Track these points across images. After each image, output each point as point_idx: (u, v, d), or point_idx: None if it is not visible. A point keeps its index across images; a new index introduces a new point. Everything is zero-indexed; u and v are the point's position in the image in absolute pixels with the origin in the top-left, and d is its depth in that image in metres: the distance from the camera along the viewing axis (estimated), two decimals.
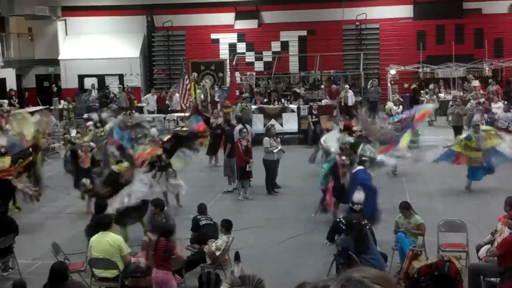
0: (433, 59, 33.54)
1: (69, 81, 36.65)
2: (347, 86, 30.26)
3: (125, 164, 14.56)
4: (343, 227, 11.47)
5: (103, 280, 10.97)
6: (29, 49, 37.88)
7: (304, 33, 35.98)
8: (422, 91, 32.02)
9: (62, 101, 32.75)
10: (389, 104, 25.64)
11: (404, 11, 35.59)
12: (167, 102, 31.29)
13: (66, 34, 37.88)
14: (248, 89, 31.46)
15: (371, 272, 2.07)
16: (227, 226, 11.78)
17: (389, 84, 33.23)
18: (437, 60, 33.46)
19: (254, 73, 35.66)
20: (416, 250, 10.92)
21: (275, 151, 17.98)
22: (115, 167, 14.52)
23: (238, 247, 11.19)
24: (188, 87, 26.24)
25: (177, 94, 28.76)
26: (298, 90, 30.55)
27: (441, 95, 31.74)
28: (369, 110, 24.29)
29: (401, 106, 25.88)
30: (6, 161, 15.23)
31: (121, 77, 36.69)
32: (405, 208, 12.24)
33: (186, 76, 26.90)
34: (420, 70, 33.31)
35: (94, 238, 10.94)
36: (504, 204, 11.57)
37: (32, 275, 11.55)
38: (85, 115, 27.38)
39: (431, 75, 33.50)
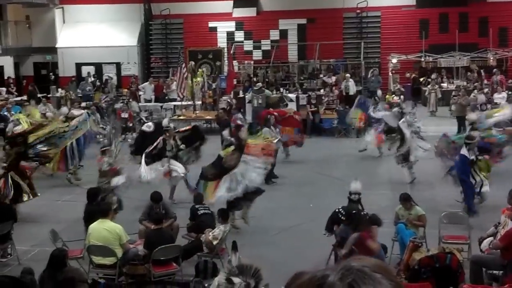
0: (436, 48, 33.27)
1: (66, 69, 36.50)
2: (348, 75, 30.04)
3: (231, 149, 14.71)
4: (342, 217, 11.33)
5: (101, 267, 11.00)
6: (27, 37, 37.70)
7: (303, 21, 35.73)
8: (423, 80, 31.79)
9: (59, 89, 32.61)
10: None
11: None
12: (164, 91, 31.14)
13: (64, 22, 37.67)
14: (246, 78, 31.26)
15: (371, 261, 1.98)
16: (224, 215, 11.76)
17: (390, 74, 33.01)
18: (440, 49, 33.17)
19: (252, 62, 35.46)
20: (416, 242, 10.78)
21: (274, 141, 17.83)
22: (222, 152, 14.81)
23: (235, 237, 11.05)
24: (185, 76, 26.07)
25: (174, 83, 28.60)
26: (326, 79, 30.13)
27: (444, 84, 31.50)
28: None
29: (402, 96, 25.79)
30: None
31: (118, 65, 36.54)
32: (406, 199, 12.09)
33: (184, 65, 26.72)
34: (423, 59, 33.07)
35: (93, 225, 11.03)
36: (508, 196, 11.41)
37: (30, 262, 11.53)
38: (83, 103, 27.27)
39: (434, 65, 33.27)
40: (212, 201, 13.49)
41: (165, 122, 17.23)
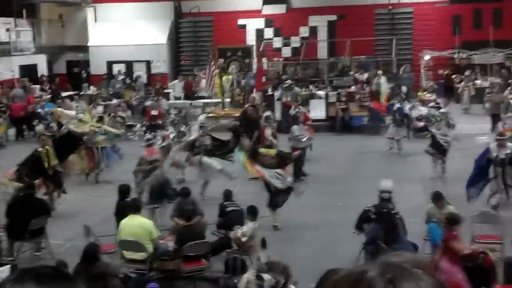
0: (470, 44, 32.71)
1: (98, 67, 36.73)
2: (380, 72, 29.79)
3: (273, 151, 15.05)
4: (372, 216, 11.22)
5: (132, 262, 11.18)
6: (60, 35, 38.11)
7: (333, 17, 35.52)
8: (456, 77, 31.41)
9: (91, 87, 32.88)
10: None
11: None
12: (194, 88, 31.21)
13: (96, 20, 37.95)
14: (275, 76, 31.17)
15: (410, 257, 1.95)
16: (253, 212, 11.75)
17: (422, 71, 32.68)
18: (474, 45, 32.63)
19: (281, 59, 35.34)
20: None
21: (303, 139, 17.77)
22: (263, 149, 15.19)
23: (264, 234, 11.04)
24: (214, 73, 26.09)
25: (203, 80, 28.65)
26: (359, 76, 29.84)
27: (478, 82, 31.03)
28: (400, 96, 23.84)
29: (434, 93, 25.53)
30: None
31: (148, 63, 36.72)
32: (437, 198, 11.92)
33: (213, 62, 26.74)
34: (456, 56, 32.69)
35: (125, 221, 11.23)
36: None
37: (63, 256, 11.53)
38: (114, 101, 27.45)
39: (467, 61, 32.83)
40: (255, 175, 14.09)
41: (201, 118, 17.40)
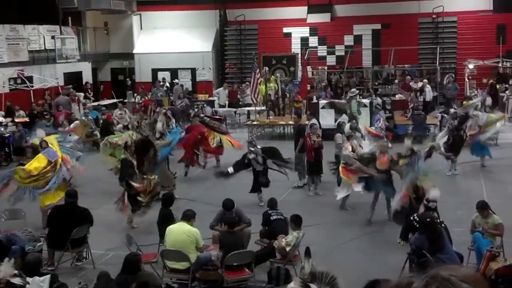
0: None
1: (143, 75, 37.17)
2: (425, 80, 29.47)
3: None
4: (417, 225, 11.15)
5: (175, 272, 11.07)
6: (105, 43, 38.62)
7: (378, 26, 35.44)
8: (501, 86, 31.03)
9: (136, 95, 33.18)
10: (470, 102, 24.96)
11: (483, 3, 34.60)
12: (238, 96, 31.32)
13: (141, 28, 38.41)
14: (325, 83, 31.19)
15: (461, 271, 1.97)
16: (297, 221, 11.64)
17: (466, 79, 32.39)
18: None
19: (326, 68, 35.35)
20: (494, 251, 10.53)
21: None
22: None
23: (308, 243, 11.00)
24: (259, 81, 26.17)
25: (248, 88, 28.77)
26: (413, 85, 29.47)
27: None
28: (445, 106, 23.63)
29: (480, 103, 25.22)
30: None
31: (193, 71, 37.02)
32: (483, 207, 11.81)
33: (258, 70, 26.83)
34: (500, 65, 32.32)
35: (172, 227, 11.19)
36: None
37: (105, 266, 11.60)
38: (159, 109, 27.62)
39: (511, 70, 32.48)
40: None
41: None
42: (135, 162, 15.18)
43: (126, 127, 23.10)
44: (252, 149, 16.76)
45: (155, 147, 15.76)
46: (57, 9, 33.11)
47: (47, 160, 14.69)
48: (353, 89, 26.49)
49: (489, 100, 24.19)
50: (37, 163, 14.64)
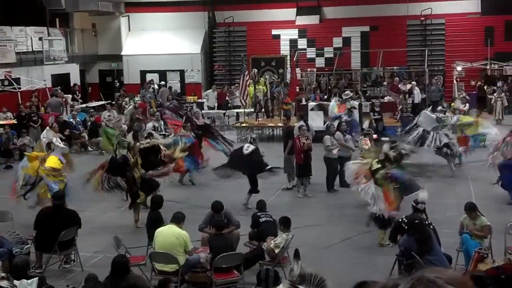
0: (502, 55, 32.69)
1: (131, 77, 37.10)
2: (414, 82, 29.56)
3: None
4: (405, 227, 11.17)
5: (163, 274, 10.94)
6: (93, 44, 38.52)
7: (366, 28, 35.56)
8: (489, 89, 31.19)
9: (126, 99, 33.02)
10: (457, 103, 25.05)
11: (472, 6, 34.77)
12: (227, 98, 31.30)
13: (129, 30, 38.35)
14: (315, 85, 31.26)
15: (447, 273, 1.97)
16: (286, 223, 11.64)
17: (455, 82, 32.55)
18: (506, 56, 32.60)
19: (315, 70, 35.42)
20: (482, 252, 10.58)
21: (334, 152, 17.70)
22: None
23: (297, 245, 11.00)
24: (247, 83, 26.18)
25: (237, 90, 28.77)
26: (401, 87, 29.28)
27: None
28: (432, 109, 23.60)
29: (467, 104, 25.35)
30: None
31: (182, 72, 36.99)
32: (471, 209, 11.85)
33: (246, 72, 26.84)
34: (488, 67, 32.50)
35: (161, 229, 11.16)
36: None
37: (93, 268, 11.55)
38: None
39: (500, 72, 32.67)
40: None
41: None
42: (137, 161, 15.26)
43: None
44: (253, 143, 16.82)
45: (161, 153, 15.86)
46: (45, 11, 32.99)
47: (58, 159, 15.09)
48: (347, 92, 26.55)
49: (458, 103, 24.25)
50: (49, 162, 15.11)
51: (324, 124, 22.97)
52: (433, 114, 19.95)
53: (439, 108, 22.78)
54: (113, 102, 31.84)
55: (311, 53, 36.23)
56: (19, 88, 29.59)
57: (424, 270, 1.98)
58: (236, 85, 30.65)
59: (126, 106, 28.57)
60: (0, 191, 16.67)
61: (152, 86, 33.36)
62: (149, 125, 21.64)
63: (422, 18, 34.97)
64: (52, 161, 15.19)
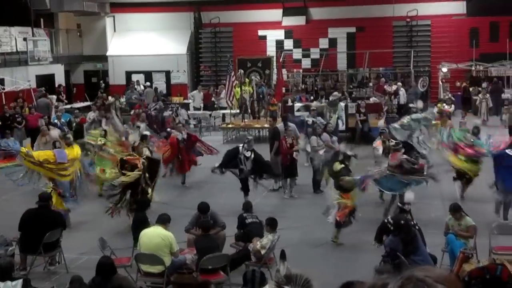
0: (487, 56, 32.93)
1: (116, 77, 37.03)
2: (399, 83, 29.55)
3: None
4: (391, 227, 11.19)
5: (149, 276, 11.00)
6: (78, 45, 38.41)
7: (353, 29, 35.70)
8: (474, 89, 31.32)
9: (109, 97, 32.94)
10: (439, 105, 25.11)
11: (457, 7, 35.01)
12: (213, 99, 31.26)
13: (114, 30, 38.28)
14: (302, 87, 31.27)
15: (436, 272, 2.00)
16: (272, 224, 11.64)
17: (440, 82, 32.71)
18: (491, 58, 32.80)
19: (301, 70, 35.47)
20: (467, 253, 10.61)
21: (321, 152, 17.72)
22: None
23: (283, 246, 11.00)
24: (234, 84, 26.15)
25: (224, 91, 28.74)
26: (387, 88, 29.28)
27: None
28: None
29: (453, 106, 25.43)
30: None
31: (168, 73, 36.93)
32: (456, 210, 11.92)
33: (233, 73, 26.82)
34: (473, 68, 32.68)
35: (147, 230, 11.12)
36: None
37: (78, 270, 11.49)
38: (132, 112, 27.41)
39: (485, 73, 32.85)
40: None
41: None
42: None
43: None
44: (247, 149, 16.69)
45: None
46: (29, 11, 32.87)
47: (54, 155, 14.60)
48: (335, 93, 26.54)
49: (420, 103, 24.17)
50: (43, 153, 14.82)
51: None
52: (420, 115, 19.78)
53: (411, 105, 22.76)
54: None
55: (297, 54, 36.32)
56: (3, 89, 29.42)
57: (413, 269, 1.99)
58: (222, 85, 30.63)
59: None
60: None
61: (135, 88, 33.07)
62: (142, 126, 21.52)
63: (408, 19, 35.18)
64: (45, 152, 14.90)
